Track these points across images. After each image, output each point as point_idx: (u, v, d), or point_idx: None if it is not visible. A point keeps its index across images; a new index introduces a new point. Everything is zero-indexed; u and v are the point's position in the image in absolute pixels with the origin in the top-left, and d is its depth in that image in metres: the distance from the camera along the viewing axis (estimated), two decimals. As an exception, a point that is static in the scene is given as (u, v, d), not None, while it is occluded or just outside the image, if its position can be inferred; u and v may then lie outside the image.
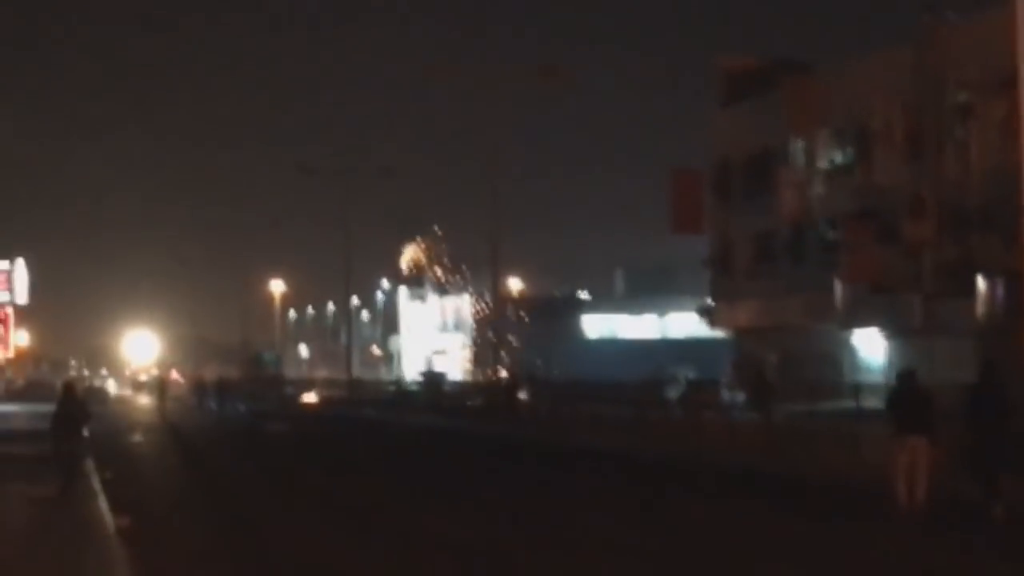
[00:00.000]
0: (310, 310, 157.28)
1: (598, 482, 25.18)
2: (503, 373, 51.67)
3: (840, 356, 48.45)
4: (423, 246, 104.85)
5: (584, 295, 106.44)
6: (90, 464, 28.06)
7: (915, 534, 16.78)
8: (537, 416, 43.24)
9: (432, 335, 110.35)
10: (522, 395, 44.09)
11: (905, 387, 18.27)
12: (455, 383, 79.65)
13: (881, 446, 24.19)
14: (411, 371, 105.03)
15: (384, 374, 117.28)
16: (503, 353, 52.62)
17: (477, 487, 24.55)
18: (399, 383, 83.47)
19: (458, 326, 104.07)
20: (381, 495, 23.16)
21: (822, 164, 49.80)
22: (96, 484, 23.72)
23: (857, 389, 29.13)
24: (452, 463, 31.36)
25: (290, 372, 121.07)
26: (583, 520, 18.87)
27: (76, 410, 24.18)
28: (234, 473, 28.86)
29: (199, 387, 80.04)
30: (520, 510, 20.43)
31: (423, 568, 14.80)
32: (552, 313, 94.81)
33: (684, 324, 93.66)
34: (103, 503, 20.36)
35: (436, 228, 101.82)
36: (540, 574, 14.38)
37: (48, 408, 25.48)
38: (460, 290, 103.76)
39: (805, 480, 23.91)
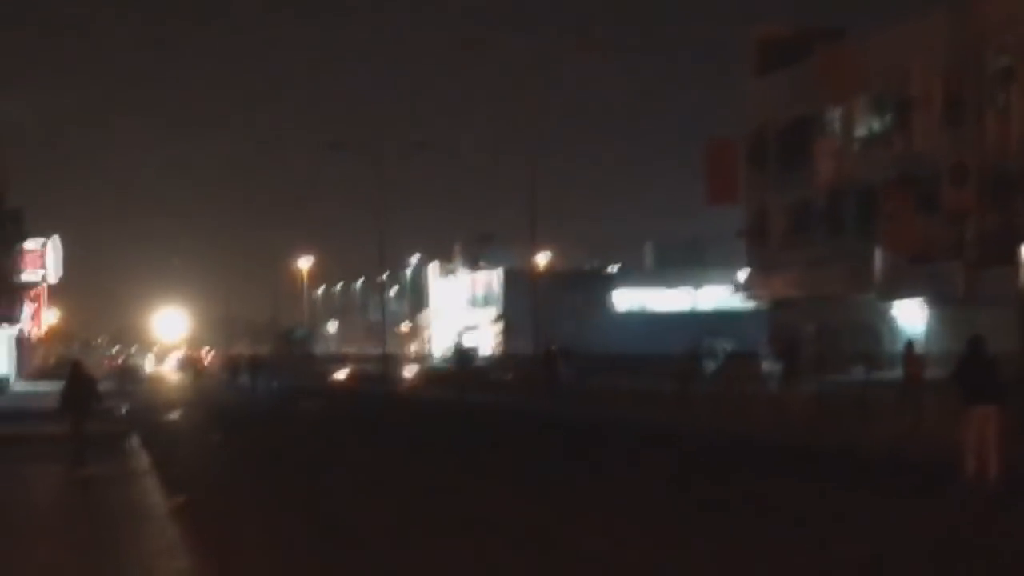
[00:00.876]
0: (339, 286, 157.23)
1: (652, 459, 24.87)
2: (539, 348, 51.28)
3: (879, 327, 47.99)
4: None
5: (614, 268, 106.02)
6: (135, 442, 27.98)
7: (986, 506, 16.39)
8: (577, 391, 42.90)
9: (462, 310, 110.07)
10: (562, 369, 43.69)
11: (973, 355, 17.84)
12: (486, 358, 79.43)
13: (933, 416, 24.01)
14: (440, 347, 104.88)
15: (413, 350, 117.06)
16: (538, 328, 52.14)
17: (525, 465, 24.29)
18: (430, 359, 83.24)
19: (488, 301, 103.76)
20: (430, 472, 22.95)
21: (860, 132, 49.29)
22: (144, 463, 23.57)
23: (920, 358, 28.48)
24: (495, 440, 31.12)
25: (320, 349, 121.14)
26: (648, 498, 18.59)
27: (85, 389, 23.99)
28: (279, 450, 28.66)
29: (234, 365, 79.95)
30: (572, 488, 20.15)
31: (484, 543, 14.55)
32: (582, 286, 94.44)
33: (715, 296, 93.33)
34: (153, 482, 20.17)
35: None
36: (608, 557, 14.08)
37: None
38: (492, 264, 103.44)
39: (857, 452, 23.55)
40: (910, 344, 33.38)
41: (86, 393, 23.84)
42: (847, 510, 16.51)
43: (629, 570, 12.78)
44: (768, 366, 44.41)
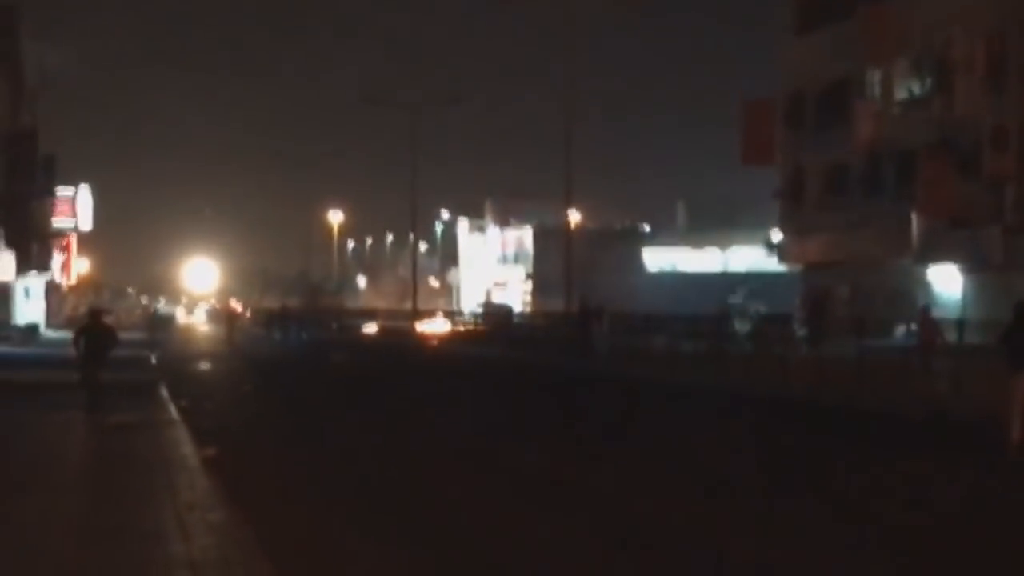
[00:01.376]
0: (369, 241, 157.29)
1: (698, 420, 24.64)
2: (571, 306, 50.96)
3: (914, 292, 47.46)
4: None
5: (645, 228, 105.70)
6: (164, 392, 27.90)
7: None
8: (612, 350, 42.65)
9: (492, 267, 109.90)
10: (597, 328, 43.38)
11: (1019, 321, 17.47)
12: (518, 315, 79.26)
13: (974, 381, 23.67)
14: (470, 303, 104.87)
15: (443, 306, 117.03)
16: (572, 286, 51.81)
17: (573, 427, 24.10)
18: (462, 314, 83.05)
19: (518, 258, 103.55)
20: (466, 428, 22.78)
21: (899, 95, 48.62)
22: (174, 412, 23.45)
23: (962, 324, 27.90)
24: (532, 398, 30.96)
25: (349, 303, 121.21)
26: (716, 462, 18.38)
27: (103, 337, 23.97)
28: (311, 402, 28.54)
29: (271, 317, 79.13)
30: (622, 451, 19.94)
31: (522, 501, 14.35)
32: (613, 245, 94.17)
33: (747, 257, 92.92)
34: (184, 432, 20.03)
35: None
36: (669, 525, 13.86)
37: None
38: (523, 221, 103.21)
39: (897, 416, 23.24)
40: (926, 309, 33.03)
41: (103, 342, 23.81)
42: (882, 469, 16.26)
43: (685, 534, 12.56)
44: (799, 328, 44.07)
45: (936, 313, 44.22)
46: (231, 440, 19.86)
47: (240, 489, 14.32)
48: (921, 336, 30.59)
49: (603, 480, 15.95)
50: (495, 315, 63.89)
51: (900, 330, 38.66)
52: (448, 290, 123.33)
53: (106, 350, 23.89)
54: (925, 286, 47.39)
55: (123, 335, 31.57)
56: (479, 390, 32.70)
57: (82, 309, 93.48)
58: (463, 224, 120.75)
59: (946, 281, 46.61)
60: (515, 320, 68.53)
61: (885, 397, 25.68)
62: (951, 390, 24.93)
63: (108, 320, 28.96)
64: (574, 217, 70.19)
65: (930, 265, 47.00)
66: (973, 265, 44.58)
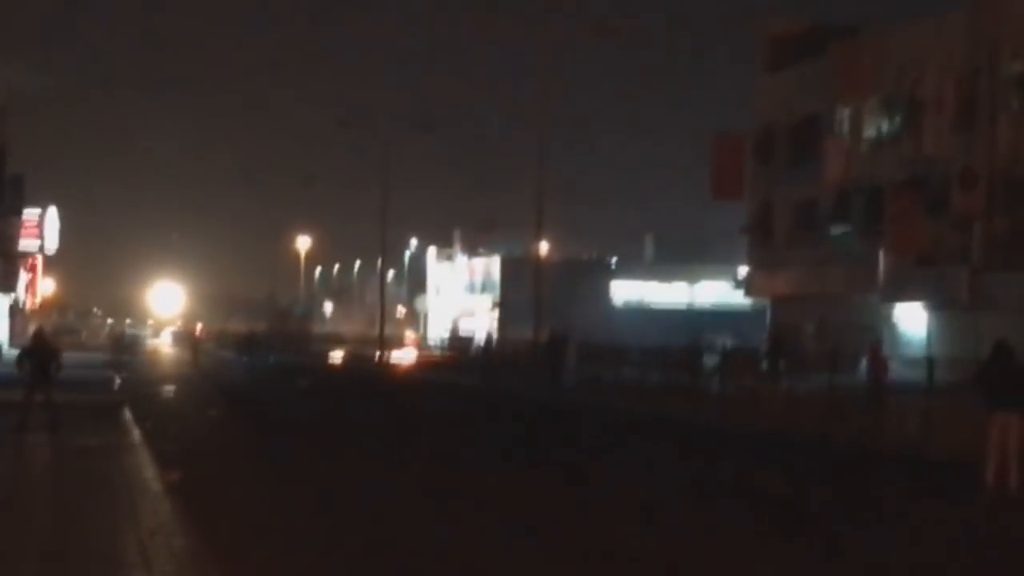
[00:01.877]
0: (336, 267, 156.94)
1: (666, 451, 24.57)
2: (539, 335, 50.85)
3: (880, 328, 47.60)
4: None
5: (613, 260, 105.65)
6: (128, 414, 27.63)
7: (1006, 515, 16.02)
8: (583, 380, 42.60)
9: (459, 295, 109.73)
10: (569, 358, 43.30)
11: (999, 360, 17.41)
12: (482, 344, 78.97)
13: (944, 419, 23.68)
14: (437, 331, 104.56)
15: (409, 334, 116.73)
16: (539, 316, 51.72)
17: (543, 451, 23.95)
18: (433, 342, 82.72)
19: (486, 287, 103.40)
20: (436, 455, 22.62)
21: (869, 132, 48.86)
22: (137, 435, 23.21)
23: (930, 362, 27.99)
24: (500, 425, 30.81)
25: (316, 329, 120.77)
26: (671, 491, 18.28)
27: (47, 357, 24.09)
28: (276, 427, 28.31)
29: (239, 341, 78.49)
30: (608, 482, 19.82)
31: (490, 528, 14.22)
32: (581, 276, 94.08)
33: (714, 292, 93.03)
34: (147, 456, 19.79)
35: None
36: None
37: (79, 356, 25.11)
38: (491, 251, 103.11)
39: (870, 452, 23.20)
40: (876, 344, 33.07)
41: (46, 361, 23.87)
42: (857, 505, 16.20)
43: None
44: (764, 362, 44.08)
45: (902, 351, 44.65)
46: (195, 465, 19.65)
47: (204, 515, 14.14)
48: (870, 372, 30.54)
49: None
50: (485, 344, 62.86)
51: (863, 365, 38.78)
52: (415, 317, 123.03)
53: (51, 370, 23.94)
54: (890, 323, 47.56)
55: (88, 356, 31.30)
56: (447, 418, 32.52)
57: (48, 330, 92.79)
58: (431, 252, 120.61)
59: (911, 319, 46.78)
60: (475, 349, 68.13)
61: (853, 433, 25.68)
62: (921, 429, 24.91)
63: (74, 339, 28.90)
64: (542, 247, 70.29)
65: (897, 302, 47.16)
66: (939, 303, 44.75)
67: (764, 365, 41.60)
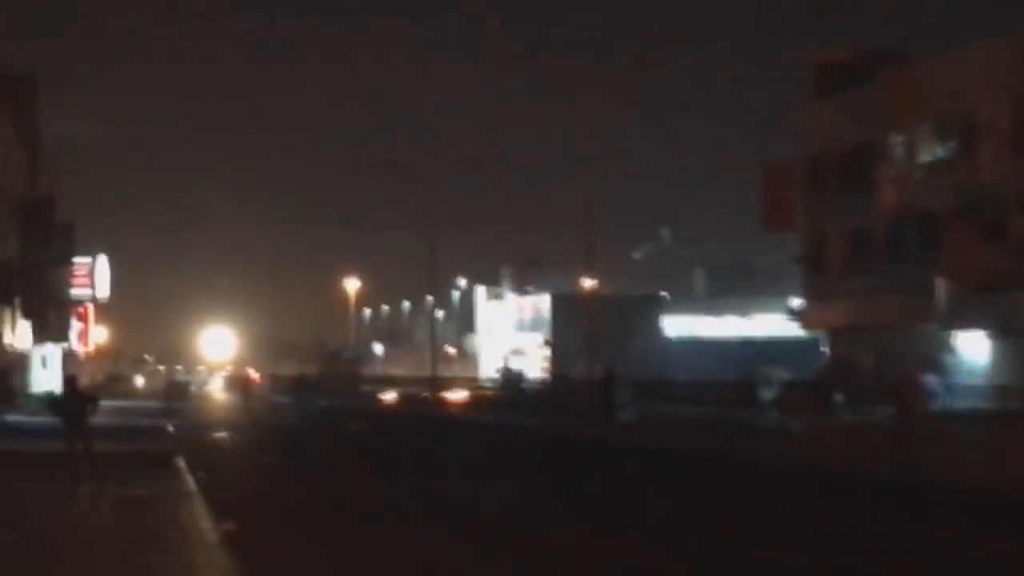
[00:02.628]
0: (385, 308, 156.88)
1: (735, 494, 24.03)
2: (593, 373, 50.41)
3: (940, 358, 46.79)
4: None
5: (664, 294, 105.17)
6: (181, 463, 27.35)
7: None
8: (636, 418, 41.88)
9: (509, 334, 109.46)
10: (622, 396, 42.72)
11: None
12: (533, 381, 78.62)
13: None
14: (488, 370, 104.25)
15: (459, 372, 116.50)
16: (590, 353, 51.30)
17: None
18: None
19: (535, 325, 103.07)
20: (492, 500, 22.15)
21: (923, 159, 48.22)
22: (191, 483, 22.89)
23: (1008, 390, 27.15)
24: (562, 470, 30.30)
25: (367, 370, 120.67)
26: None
27: (81, 404, 23.94)
28: (332, 473, 27.94)
29: (294, 385, 77.87)
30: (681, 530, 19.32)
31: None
32: (633, 312, 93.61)
33: (766, 324, 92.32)
34: (202, 505, 19.45)
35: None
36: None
37: (130, 404, 25.02)
38: (540, 288, 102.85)
39: (943, 486, 22.55)
40: (908, 372, 31.45)
41: (80, 409, 23.68)
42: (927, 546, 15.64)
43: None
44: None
45: (964, 379, 43.82)
46: (251, 514, 19.28)
47: (261, 568, 13.76)
48: (901, 399, 29.16)
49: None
50: (509, 380, 62.59)
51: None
52: (464, 357, 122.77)
53: (87, 415, 23.74)
54: (952, 352, 46.75)
55: (141, 403, 31.06)
56: (505, 461, 31.99)
57: (100, 377, 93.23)
58: (481, 291, 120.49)
59: (972, 347, 45.97)
60: (527, 385, 67.66)
61: (921, 466, 25.03)
62: (989, 460, 24.23)
63: (126, 387, 28.92)
64: (592, 283, 69.96)
65: (956, 330, 46.35)
66: (1000, 331, 43.95)
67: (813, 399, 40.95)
